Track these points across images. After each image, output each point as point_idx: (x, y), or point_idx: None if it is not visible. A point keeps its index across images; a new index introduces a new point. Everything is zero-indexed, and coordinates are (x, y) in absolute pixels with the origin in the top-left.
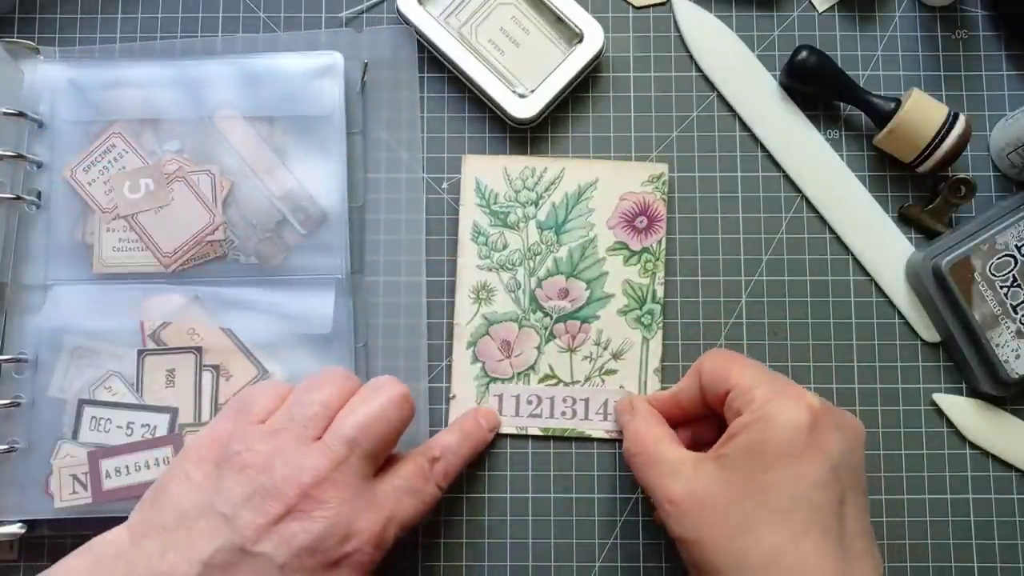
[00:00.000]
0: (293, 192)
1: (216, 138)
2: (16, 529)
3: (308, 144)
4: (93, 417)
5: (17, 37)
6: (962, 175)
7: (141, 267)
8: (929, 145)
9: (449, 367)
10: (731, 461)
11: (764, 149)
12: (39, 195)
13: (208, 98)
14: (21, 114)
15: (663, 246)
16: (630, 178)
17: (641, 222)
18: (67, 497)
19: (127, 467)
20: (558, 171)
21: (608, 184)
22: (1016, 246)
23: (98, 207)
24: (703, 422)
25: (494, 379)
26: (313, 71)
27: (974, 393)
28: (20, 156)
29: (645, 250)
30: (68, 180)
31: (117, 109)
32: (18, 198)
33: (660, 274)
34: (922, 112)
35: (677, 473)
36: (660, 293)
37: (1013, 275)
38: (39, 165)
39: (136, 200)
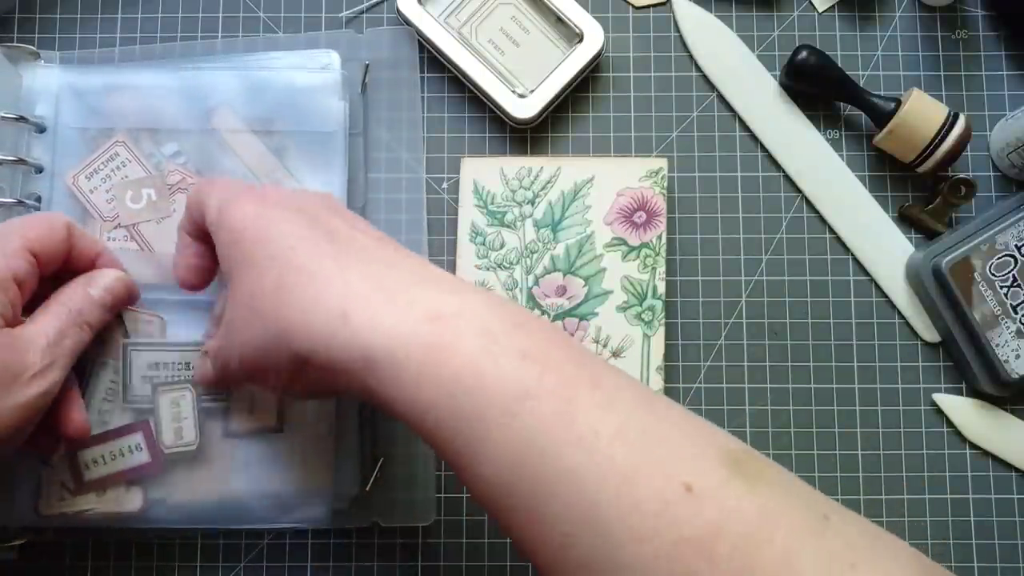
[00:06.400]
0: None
1: (218, 145)
2: (16, 543)
3: (310, 155)
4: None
5: (17, 37)
6: (962, 175)
7: (140, 277)
8: (929, 145)
9: None
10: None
11: (764, 149)
12: (39, 199)
13: (210, 107)
14: (21, 118)
15: (663, 241)
16: (628, 174)
17: (640, 217)
18: (54, 503)
19: (103, 457)
20: (554, 170)
21: (605, 181)
22: (1016, 246)
23: (99, 216)
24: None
25: None
26: (319, 86)
27: (974, 393)
28: (21, 160)
29: (644, 245)
30: (70, 187)
31: (117, 115)
32: (19, 202)
33: (660, 269)
34: (922, 112)
35: None
36: (661, 289)
37: (1013, 275)
38: (39, 169)
39: (138, 210)
